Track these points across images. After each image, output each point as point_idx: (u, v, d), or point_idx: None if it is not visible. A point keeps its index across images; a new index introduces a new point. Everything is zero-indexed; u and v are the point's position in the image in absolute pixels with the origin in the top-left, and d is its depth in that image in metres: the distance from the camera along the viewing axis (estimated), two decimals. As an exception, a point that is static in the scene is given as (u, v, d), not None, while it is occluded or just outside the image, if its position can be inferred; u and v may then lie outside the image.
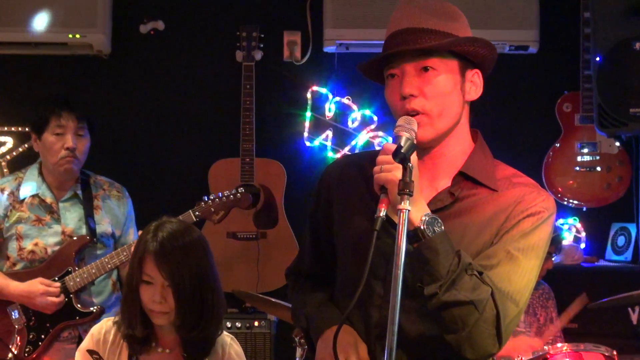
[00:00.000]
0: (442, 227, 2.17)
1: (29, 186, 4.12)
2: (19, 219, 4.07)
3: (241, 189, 4.15)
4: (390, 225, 2.18)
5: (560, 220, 5.63)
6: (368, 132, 5.52)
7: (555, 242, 4.85)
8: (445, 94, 2.28)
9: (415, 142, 2.16)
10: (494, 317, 2.20)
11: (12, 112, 5.46)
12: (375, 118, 5.55)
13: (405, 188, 2.08)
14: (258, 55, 5.40)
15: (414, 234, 2.17)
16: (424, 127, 2.26)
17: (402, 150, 2.10)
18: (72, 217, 4.13)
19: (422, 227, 2.16)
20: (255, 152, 5.28)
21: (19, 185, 4.12)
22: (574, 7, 5.52)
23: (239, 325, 5.12)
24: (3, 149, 5.53)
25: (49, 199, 4.11)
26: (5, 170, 5.38)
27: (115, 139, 5.55)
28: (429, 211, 2.20)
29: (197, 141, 5.62)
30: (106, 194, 4.20)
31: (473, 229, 2.30)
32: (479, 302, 2.17)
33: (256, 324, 5.13)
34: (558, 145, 5.70)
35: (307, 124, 5.56)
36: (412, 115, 2.26)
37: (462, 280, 2.17)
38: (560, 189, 5.65)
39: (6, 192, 4.11)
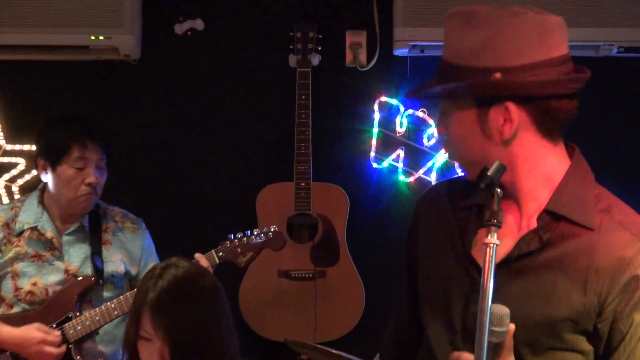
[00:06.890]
0: None
1: (27, 217, 3.84)
2: (16, 254, 3.78)
3: (274, 227, 3.96)
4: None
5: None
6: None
7: None
8: (460, 140, 2.13)
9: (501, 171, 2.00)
10: None
11: (24, 128, 4.94)
12: (456, 134, 5.00)
13: (492, 218, 1.95)
14: (315, 59, 4.93)
15: None
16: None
17: (489, 173, 1.98)
18: (77, 254, 3.82)
19: None
20: (312, 175, 4.86)
21: (16, 215, 3.84)
22: None
23: (291, 384, 4.69)
24: (14, 172, 4.97)
25: (49, 232, 3.81)
26: (17, 197, 4.84)
27: (144, 159, 5.08)
28: None
29: (242, 162, 5.09)
30: (118, 227, 3.96)
31: (562, 287, 2.03)
32: None
33: (313, 382, 4.67)
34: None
35: (374, 141, 5.03)
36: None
37: None
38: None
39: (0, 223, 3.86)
